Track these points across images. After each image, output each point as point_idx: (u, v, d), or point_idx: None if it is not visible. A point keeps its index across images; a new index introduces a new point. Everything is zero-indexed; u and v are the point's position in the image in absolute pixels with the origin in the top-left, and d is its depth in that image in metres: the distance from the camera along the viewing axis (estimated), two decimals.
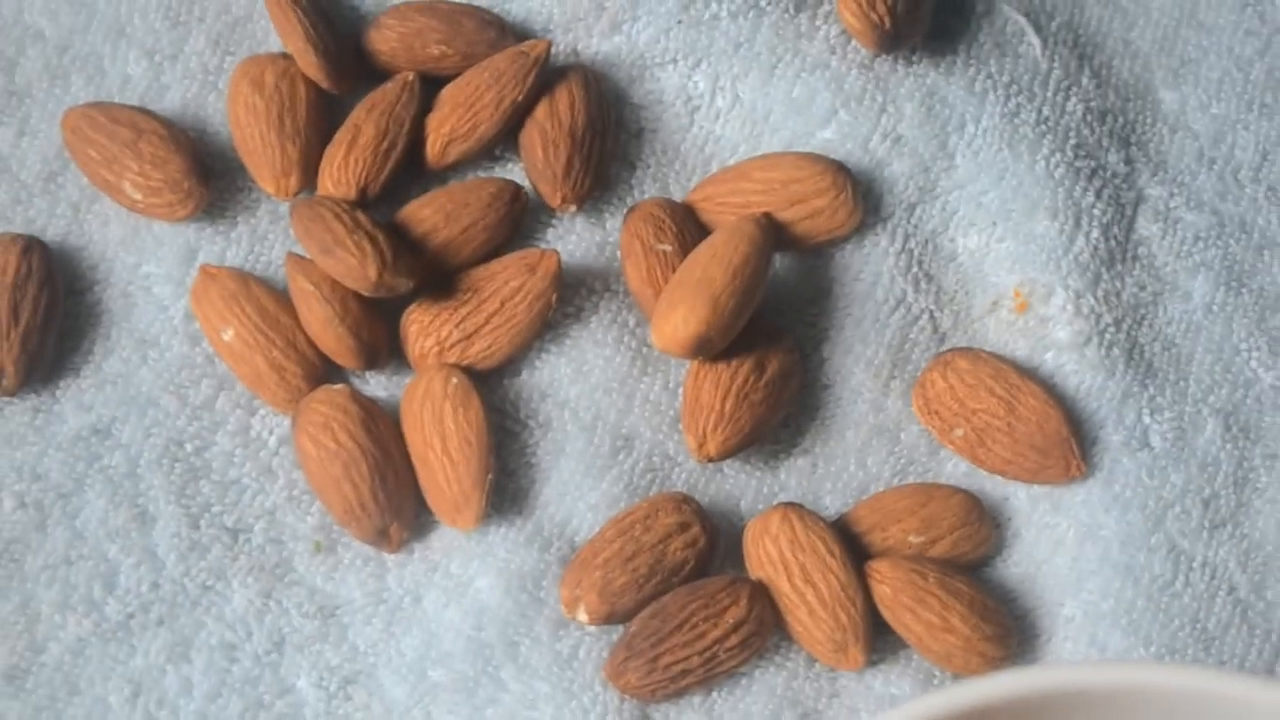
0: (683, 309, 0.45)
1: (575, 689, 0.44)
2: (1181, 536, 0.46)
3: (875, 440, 0.47)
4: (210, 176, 0.48)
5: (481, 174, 0.49)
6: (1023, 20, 0.49)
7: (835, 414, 0.47)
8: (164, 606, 0.45)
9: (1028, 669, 0.39)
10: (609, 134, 0.49)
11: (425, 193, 0.48)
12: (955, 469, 0.47)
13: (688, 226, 0.48)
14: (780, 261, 0.48)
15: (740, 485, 0.46)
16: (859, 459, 0.47)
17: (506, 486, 0.46)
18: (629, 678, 0.44)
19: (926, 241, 0.48)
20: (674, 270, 0.47)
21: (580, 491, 0.46)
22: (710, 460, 0.46)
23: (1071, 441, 0.46)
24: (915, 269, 0.48)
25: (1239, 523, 0.46)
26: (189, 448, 0.46)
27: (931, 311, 0.48)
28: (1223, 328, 0.48)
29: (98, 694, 0.44)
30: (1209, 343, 0.47)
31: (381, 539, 0.45)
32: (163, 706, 0.44)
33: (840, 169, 0.48)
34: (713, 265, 0.46)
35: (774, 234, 0.47)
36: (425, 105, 0.48)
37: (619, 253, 0.48)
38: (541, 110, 0.48)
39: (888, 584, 0.45)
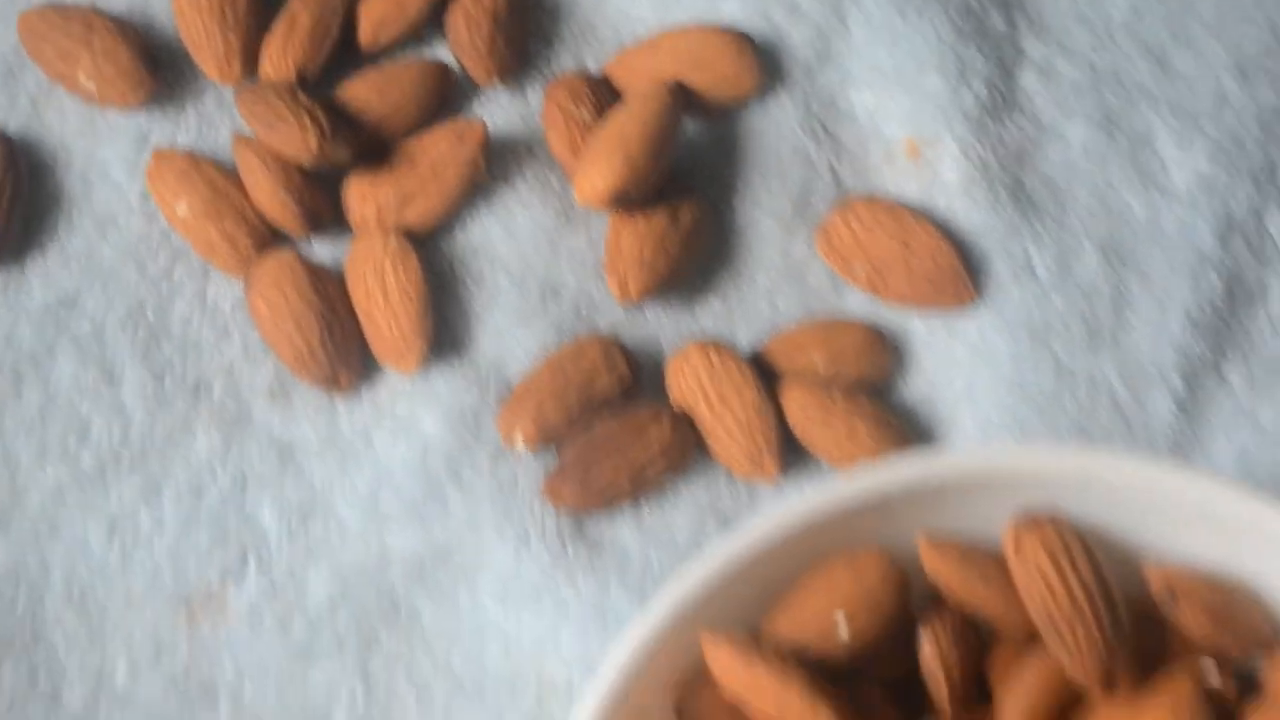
0: (601, 166, 0.49)
1: (515, 509, 0.48)
2: (1065, 354, 0.50)
3: (783, 282, 0.51)
4: (159, 66, 0.52)
5: (411, 55, 0.53)
6: None
7: (746, 260, 0.51)
8: (134, 455, 0.49)
9: (925, 455, 0.43)
10: (528, 13, 0.53)
11: (360, 74, 0.52)
12: (858, 304, 0.51)
13: (604, 95, 0.52)
14: (691, 126, 0.52)
15: (660, 326, 0.50)
16: (769, 299, 0.51)
17: (445, 335, 0.50)
18: (564, 496, 0.48)
19: (825, 101, 0.52)
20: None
21: (514, 336, 0.50)
22: (632, 303, 0.50)
23: (962, 273, 0.50)
24: (816, 126, 0.52)
25: (1118, 339, 0.50)
26: (150, 313, 0.50)
27: (832, 164, 0.52)
28: (1098, 167, 0.52)
29: (77, 533, 0.48)
30: (1086, 181, 0.51)
31: (332, 385, 0.49)
32: (138, 543, 0.48)
33: (743, 38, 0.52)
34: (628, 126, 0.50)
35: (682, 98, 0.51)
36: None
37: (541, 122, 0.52)
38: None
39: (797, 403, 0.49)
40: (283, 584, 0.48)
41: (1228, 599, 0.43)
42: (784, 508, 0.42)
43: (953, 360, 0.50)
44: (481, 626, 0.48)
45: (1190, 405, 0.49)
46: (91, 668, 0.47)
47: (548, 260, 0.50)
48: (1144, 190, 0.51)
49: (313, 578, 0.48)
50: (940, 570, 0.42)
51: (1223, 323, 0.50)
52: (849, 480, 0.42)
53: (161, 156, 0.51)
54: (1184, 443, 0.49)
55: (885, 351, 0.50)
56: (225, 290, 0.50)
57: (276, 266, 0.50)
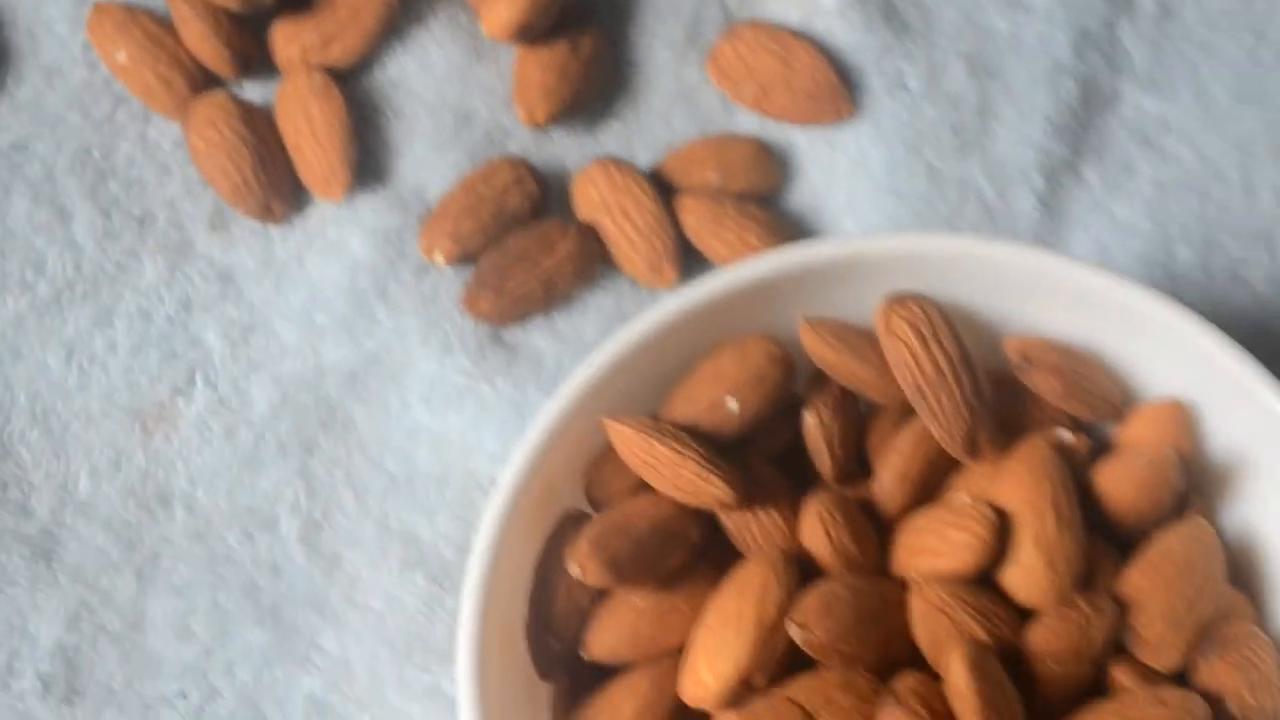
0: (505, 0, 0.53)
1: (437, 320, 0.52)
2: (937, 160, 0.53)
3: (678, 104, 0.55)
4: None
5: None
6: None
7: (643, 85, 0.55)
8: (87, 284, 0.52)
9: (802, 245, 0.46)
10: None
11: None
12: (746, 122, 0.54)
13: None
14: None
15: (565, 148, 0.54)
16: (665, 120, 0.54)
17: (368, 164, 0.53)
18: (481, 306, 0.52)
19: None
20: None
21: (431, 163, 0.53)
22: (539, 128, 0.54)
23: (841, 89, 0.54)
24: None
25: (984, 145, 0.54)
26: (96, 155, 0.53)
27: None
28: None
29: (37, 358, 0.52)
30: (953, 1, 0.55)
31: (266, 214, 0.53)
32: (93, 364, 0.52)
33: None
34: None
35: None
36: None
37: None
38: None
39: (692, 214, 0.53)
40: (228, 397, 0.52)
41: (1079, 366, 0.46)
42: (674, 300, 0.46)
43: (834, 170, 0.54)
44: (411, 428, 0.51)
45: (1051, 201, 0.53)
46: (56, 479, 0.51)
47: (460, 92, 0.54)
48: (1006, 7, 0.55)
49: (255, 390, 0.52)
50: (819, 349, 0.46)
51: (1080, 126, 0.54)
52: (733, 272, 0.46)
53: (101, 9, 0.54)
54: (1046, 236, 0.53)
55: (772, 164, 0.54)
56: (165, 131, 0.54)
57: (211, 107, 0.53)
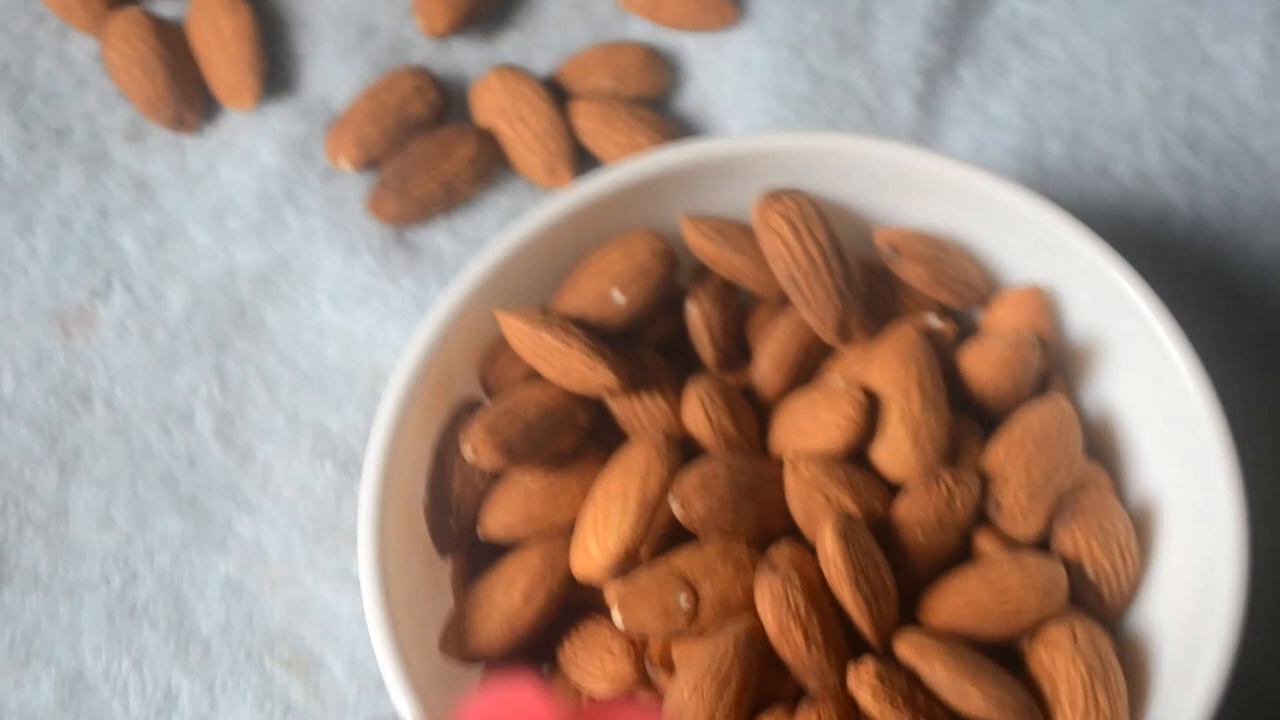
0: None
1: (344, 223, 0.54)
2: (820, 63, 0.55)
3: (572, 13, 0.56)
4: None
5: None
6: None
7: None
8: (8, 194, 0.54)
9: (681, 144, 0.48)
10: None
11: None
12: (638, 29, 0.56)
13: None
14: None
15: (465, 57, 0.56)
16: (560, 29, 0.56)
17: (276, 74, 0.55)
18: (386, 208, 0.54)
19: None
20: None
21: (336, 73, 0.55)
22: (439, 37, 0.55)
23: None
24: None
25: (864, 48, 0.56)
26: (15, 69, 0.55)
27: None
28: None
29: None
30: None
31: (179, 124, 0.55)
32: (15, 269, 0.53)
33: None
34: None
35: None
36: None
37: None
38: None
39: (586, 117, 0.54)
40: (144, 299, 0.53)
41: (946, 255, 0.48)
42: (563, 198, 0.48)
43: (721, 74, 0.55)
44: (320, 326, 0.53)
45: (929, 101, 0.55)
46: None
47: (364, 4, 0.56)
48: None
49: (171, 292, 0.53)
50: (700, 243, 0.48)
51: (956, 28, 0.56)
52: (618, 171, 0.48)
53: None
54: (923, 134, 0.55)
55: (662, 69, 0.56)
56: (82, 46, 0.55)
57: (125, 22, 0.55)
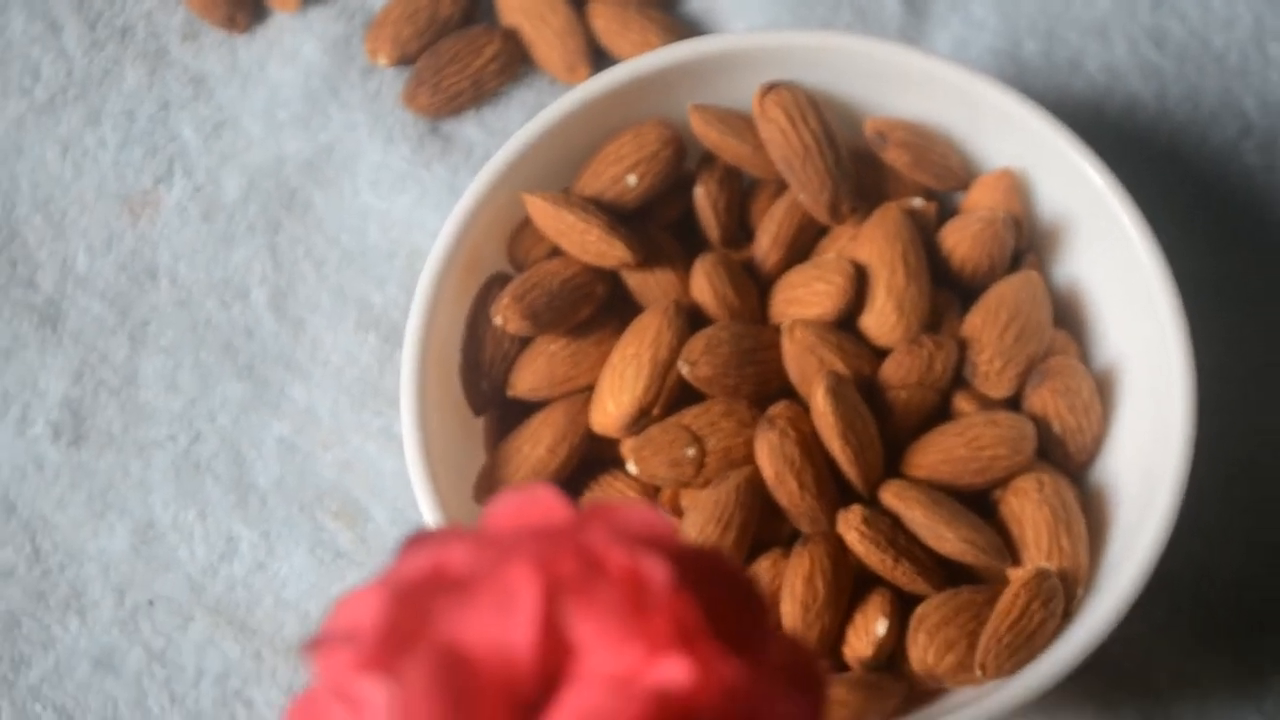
0: None
1: (382, 114, 0.57)
2: None
3: None
4: None
5: None
6: None
7: None
8: (77, 88, 0.58)
9: (689, 41, 0.51)
10: None
11: None
12: None
13: None
14: None
15: None
16: None
17: None
18: (420, 101, 0.57)
19: None
20: None
21: None
22: None
23: None
24: None
25: None
26: None
27: None
28: None
29: (37, 153, 0.57)
30: None
31: (231, 25, 0.58)
32: (86, 157, 0.57)
33: None
34: None
35: None
36: None
37: None
38: None
39: (602, 18, 0.57)
40: (203, 184, 0.57)
41: (929, 143, 0.52)
42: (580, 90, 0.51)
43: None
44: (361, 209, 0.57)
45: (915, 3, 0.58)
46: (58, 257, 0.56)
47: None
48: None
49: (226, 178, 0.57)
50: (705, 131, 0.51)
51: None
52: (631, 65, 0.51)
53: None
54: (910, 33, 0.58)
55: None
56: None
57: None
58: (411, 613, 0.28)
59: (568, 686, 0.28)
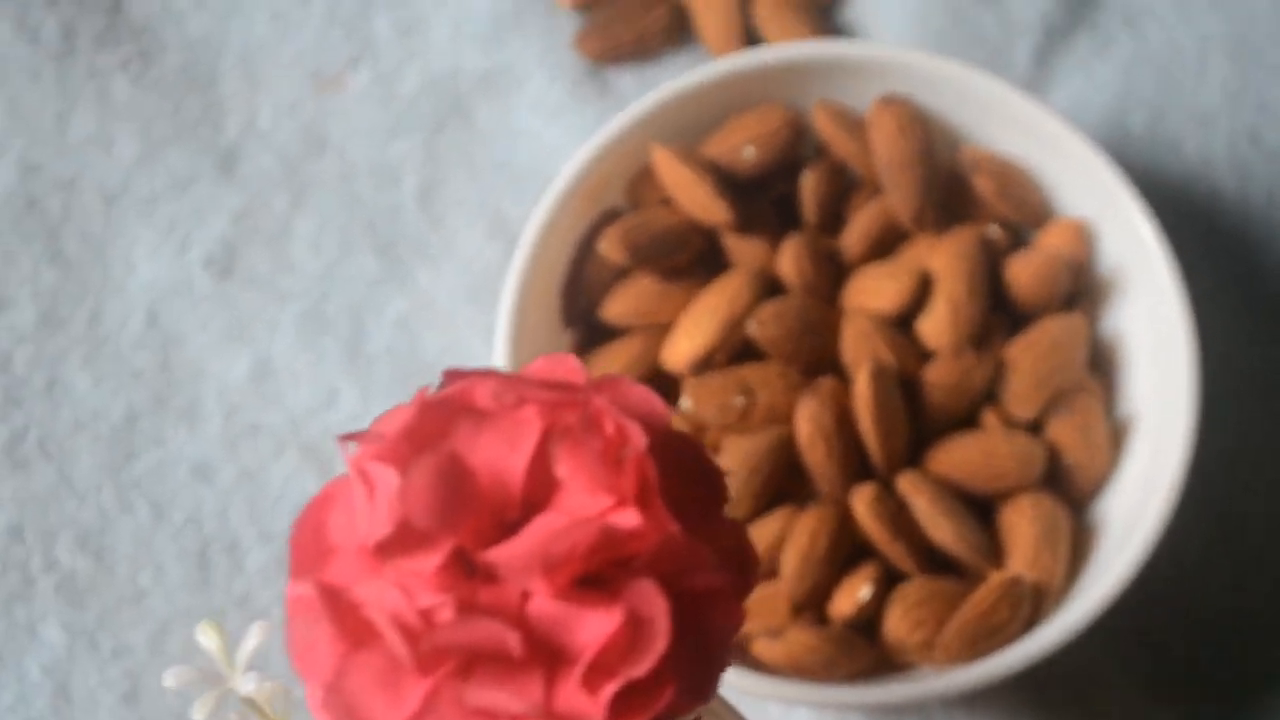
0: None
1: (555, 50, 0.60)
2: (963, 4, 0.61)
3: None
4: None
5: None
6: None
7: None
8: None
9: (829, 41, 0.55)
10: None
11: None
12: None
13: None
14: None
15: None
16: None
17: None
18: (589, 46, 0.60)
19: None
20: None
21: None
22: None
23: None
24: None
25: (1003, 1, 0.62)
26: None
27: None
28: None
29: (251, 14, 0.61)
30: None
31: None
32: (291, 28, 0.61)
33: None
34: None
35: None
36: None
37: None
38: None
39: (764, 6, 0.61)
40: (385, 76, 0.61)
41: (1015, 177, 0.54)
42: (723, 63, 0.55)
43: (883, 2, 0.62)
44: (516, 130, 0.61)
45: (1044, 56, 0.60)
46: (246, 110, 0.61)
47: None
48: None
49: (407, 75, 0.61)
50: (824, 124, 0.54)
51: (1080, 2, 0.61)
52: (775, 49, 0.55)
53: None
54: (1033, 82, 0.60)
55: None
56: None
57: None
58: (433, 425, 0.32)
59: (542, 514, 0.32)
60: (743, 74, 0.54)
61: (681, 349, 0.52)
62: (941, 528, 0.50)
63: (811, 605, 0.50)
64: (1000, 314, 0.53)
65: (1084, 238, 0.53)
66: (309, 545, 0.32)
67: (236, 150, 0.59)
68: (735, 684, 0.48)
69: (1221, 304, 0.56)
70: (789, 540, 0.50)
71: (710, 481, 0.34)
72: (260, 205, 0.59)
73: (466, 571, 0.32)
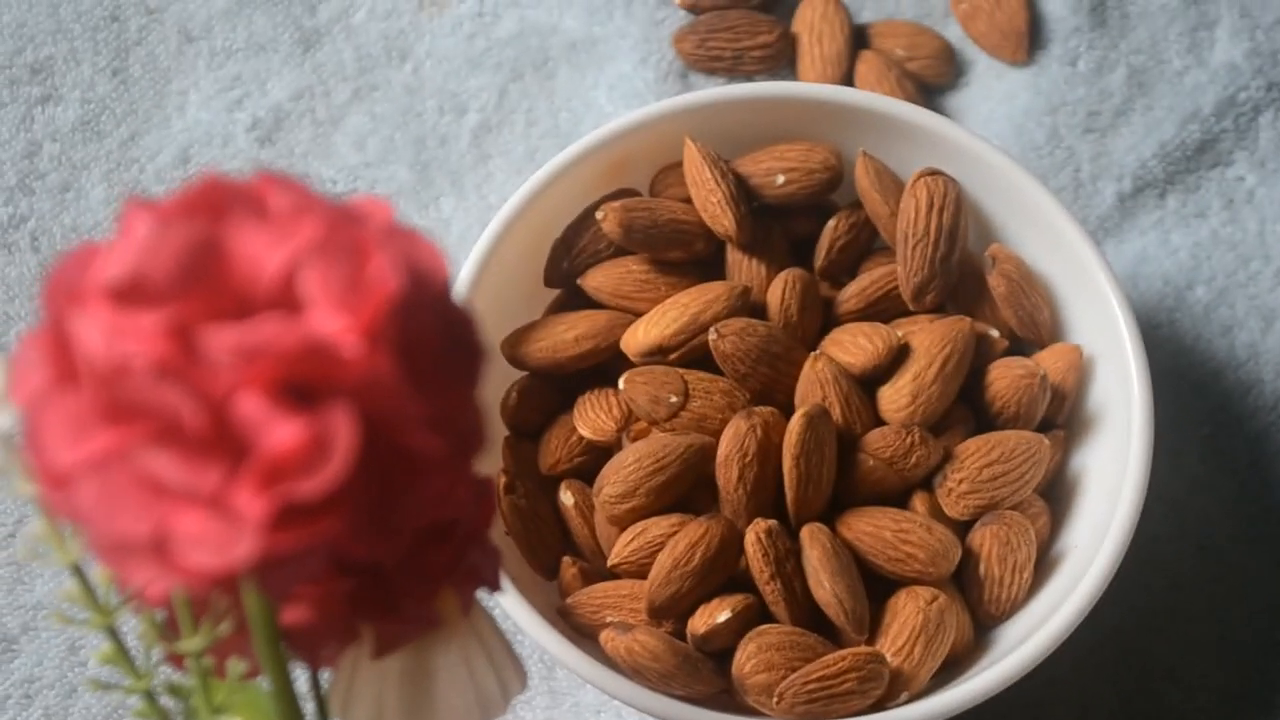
0: None
1: (652, 40, 0.61)
2: (1063, 126, 0.60)
3: None
4: None
5: None
6: None
7: None
8: None
9: (895, 100, 0.54)
10: None
11: None
12: (951, 30, 0.62)
13: None
14: None
15: None
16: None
17: None
18: (685, 46, 0.61)
19: None
20: None
21: None
22: None
23: (1025, 39, 0.61)
24: None
25: (1104, 136, 0.60)
26: None
27: None
28: None
29: None
30: (1148, 21, 0.62)
31: None
32: None
33: None
34: None
35: None
36: None
37: None
38: None
39: (866, 64, 0.61)
40: (484, 13, 0.62)
41: (1030, 287, 0.53)
42: (790, 86, 0.55)
43: (986, 93, 0.61)
44: (588, 102, 0.61)
45: (1128, 204, 0.60)
46: (343, 2, 0.63)
47: None
48: (1188, 51, 0.61)
49: (505, 18, 0.62)
50: (862, 176, 0.54)
51: (1185, 163, 0.60)
52: (838, 89, 0.55)
53: None
54: (1109, 224, 0.59)
55: (948, 66, 0.62)
56: None
57: None
58: (215, 202, 0.33)
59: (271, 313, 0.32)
60: (802, 102, 0.54)
61: (639, 336, 0.52)
62: (821, 584, 0.49)
63: (670, 614, 0.50)
64: (969, 411, 0.52)
65: (1078, 368, 0.52)
66: (67, 280, 0.32)
67: (321, 34, 0.61)
68: (564, 658, 0.48)
69: (1197, 492, 0.54)
70: (667, 544, 0.49)
71: (468, 359, 0.34)
72: (323, 91, 0.60)
73: (186, 350, 0.32)
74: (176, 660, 0.34)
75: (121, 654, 0.33)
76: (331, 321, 0.32)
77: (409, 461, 0.32)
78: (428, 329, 0.33)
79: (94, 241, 0.34)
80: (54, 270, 0.32)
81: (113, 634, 0.32)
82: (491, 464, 0.52)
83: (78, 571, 0.32)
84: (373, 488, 0.31)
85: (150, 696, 0.33)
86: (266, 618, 0.32)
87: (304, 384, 0.31)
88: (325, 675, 0.35)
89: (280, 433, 0.31)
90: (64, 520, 0.31)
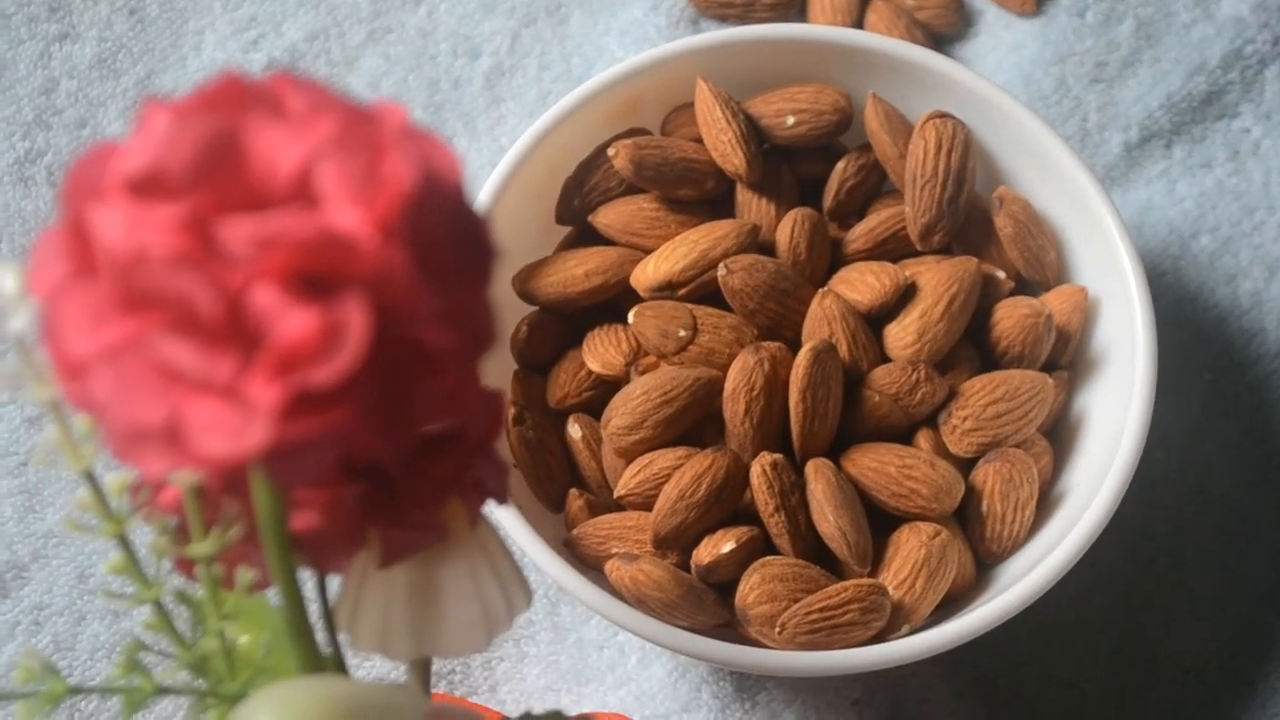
0: None
1: None
2: (1071, 77, 0.60)
3: None
4: None
5: None
6: None
7: None
8: None
9: (912, 46, 0.54)
10: None
11: None
12: None
13: None
14: None
15: None
16: None
17: None
18: None
19: None
20: None
21: None
22: None
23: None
24: None
25: (1111, 85, 0.61)
26: None
27: None
28: None
29: None
30: None
31: None
32: None
33: None
34: None
35: None
36: None
37: None
38: None
39: (875, 12, 0.61)
40: None
41: (1036, 229, 0.53)
42: (798, 28, 0.55)
43: (994, 43, 0.61)
44: (601, 47, 0.61)
45: (1135, 153, 0.60)
46: None
47: None
48: (1196, 3, 0.62)
49: None
50: (871, 117, 0.54)
51: (1191, 113, 0.60)
52: (846, 31, 0.55)
53: None
54: (1115, 173, 0.59)
55: (956, 15, 0.62)
56: None
57: None
58: (235, 100, 0.33)
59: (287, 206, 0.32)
60: (812, 44, 0.54)
61: (649, 271, 0.52)
62: (827, 519, 0.49)
63: (675, 545, 0.50)
64: (974, 350, 0.52)
65: (1083, 310, 0.52)
66: (86, 176, 0.32)
67: None
68: (570, 587, 0.48)
69: (1199, 436, 0.54)
70: (673, 475, 0.49)
71: (480, 256, 0.34)
72: (338, 33, 0.60)
73: (203, 241, 0.32)
74: (186, 567, 0.34)
75: (132, 564, 0.33)
76: (347, 214, 0.32)
77: (420, 355, 0.32)
78: (441, 226, 0.33)
79: (112, 140, 0.34)
80: (73, 167, 0.32)
81: (124, 542, 0.32)
82: None
83: (90, 478, 0.32)
84: (384, 380, 0.32)
85: (160, 606, 0.33)
86: (276, 521, 0.32)
87: (318, 276, 0.31)
88: (332, 585, 0.35)
89: (294, 322, 0.31)
90: (80, 412, 0.31)
